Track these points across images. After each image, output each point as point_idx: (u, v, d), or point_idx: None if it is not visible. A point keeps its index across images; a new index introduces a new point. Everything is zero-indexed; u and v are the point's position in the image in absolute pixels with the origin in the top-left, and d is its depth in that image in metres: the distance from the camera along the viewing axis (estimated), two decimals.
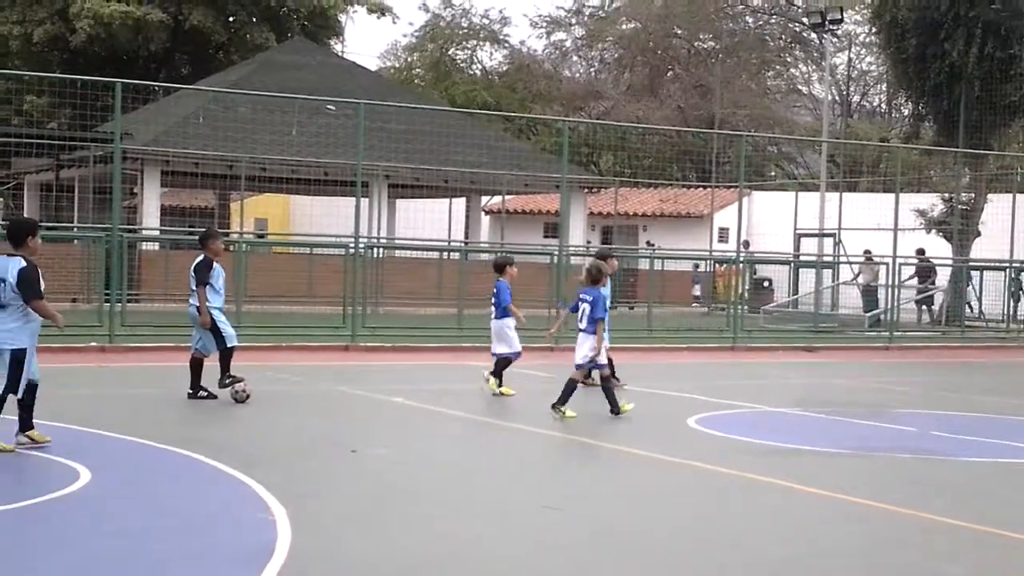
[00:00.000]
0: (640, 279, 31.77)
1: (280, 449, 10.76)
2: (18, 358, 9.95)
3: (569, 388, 13.18)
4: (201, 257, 13.81)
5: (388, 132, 31.31)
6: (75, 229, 28.57)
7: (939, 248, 32.07)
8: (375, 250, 27.52)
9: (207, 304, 13.53)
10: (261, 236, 38.01)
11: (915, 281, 31.43)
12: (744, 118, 52.97)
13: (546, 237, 39.60)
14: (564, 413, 13.02)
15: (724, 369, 18.12)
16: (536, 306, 26.11)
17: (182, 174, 31.68)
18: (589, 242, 38.11)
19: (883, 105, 61.49)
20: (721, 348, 24.25)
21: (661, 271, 30.62)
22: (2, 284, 9.99)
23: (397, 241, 34.13)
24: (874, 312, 29.59)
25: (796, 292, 32.21)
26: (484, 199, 39.37)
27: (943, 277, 31.63)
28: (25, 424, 10.21)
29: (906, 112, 43.26)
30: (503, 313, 15.26)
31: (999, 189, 33.58)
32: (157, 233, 29.87)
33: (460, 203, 38.36)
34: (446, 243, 34.35)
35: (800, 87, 61.96)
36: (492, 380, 15.01)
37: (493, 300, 15.43)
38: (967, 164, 32.89)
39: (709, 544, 7.77)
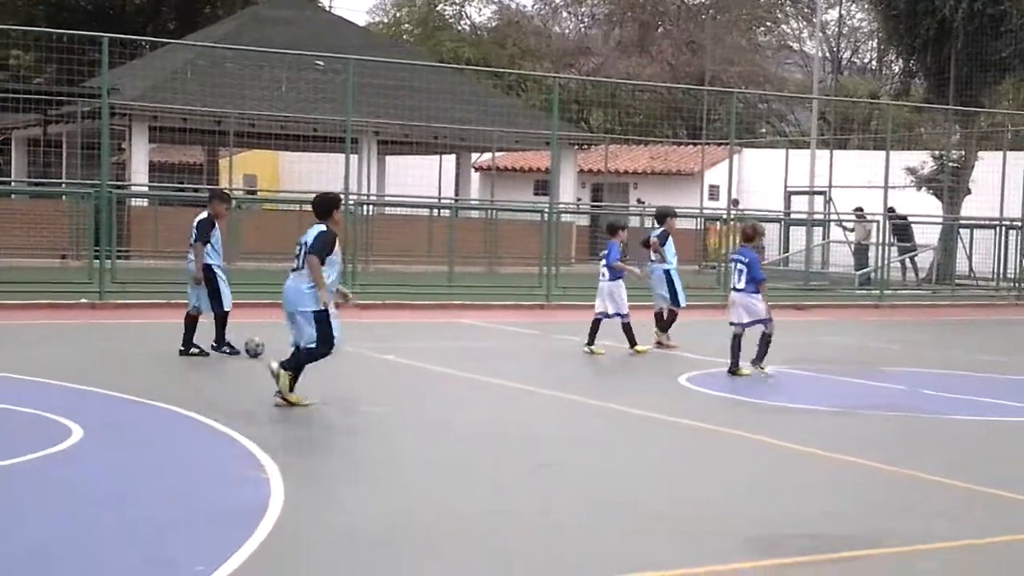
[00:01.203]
0: (630, 237, 31.64)
1: (272, 407, 10.74)
2: (321, 317, 10.41)
3: (765, 343, 13.53)
4: (205, 214, 13.77)
5: (377, 88, 31.14)
6: (63, 185, 28.43)
7: (929, 206, 32.06)
8: (365, 207, 27.44)
9: (206, 261, 13.55)
10: (252, 193, 37.86)
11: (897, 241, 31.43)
12: (735, 75, 52.75)
13: (536, 194, 39.50)
14: (763, 369, 13.43)
15: (714, 327, 18.07)
16: (528, 264, 26.13)
17: (170, 130, 31.49)
18: (579, 199, 38.05)
19: (874, 62, 61.34)
20: (711, 306, 24.24)
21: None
22: (304, 247, 10.54)
23: (387, 198, 34.05)
24: (864, 270, 29.62)
25: (786, 250, 32.21)
26: (474, 156, 39.25)
27: (933, 234, 31.64)
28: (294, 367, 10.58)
29: (897, 69, 43.20)
30: (616, 274, 15.30)
31: (989, 147, 33.55)
32: (146, 189, 29.74)
33: (450, 160, 38.23)
34: (436, 200, 34.26)
35: (791, 44, 61.74)
36: (596, 345, 15.20)
37: (604, 263, 15.47)
38: (957, 121, 32.84)
39: (700, 503, 7.78)
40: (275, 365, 10.54)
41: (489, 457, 9.07)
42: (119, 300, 19.34)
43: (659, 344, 16.09)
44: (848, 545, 6.76)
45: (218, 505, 7.27)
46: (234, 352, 13.61)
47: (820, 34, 43.32)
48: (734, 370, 13.50)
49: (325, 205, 10.84)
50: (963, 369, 15.30)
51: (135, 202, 28.13)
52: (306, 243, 10.55)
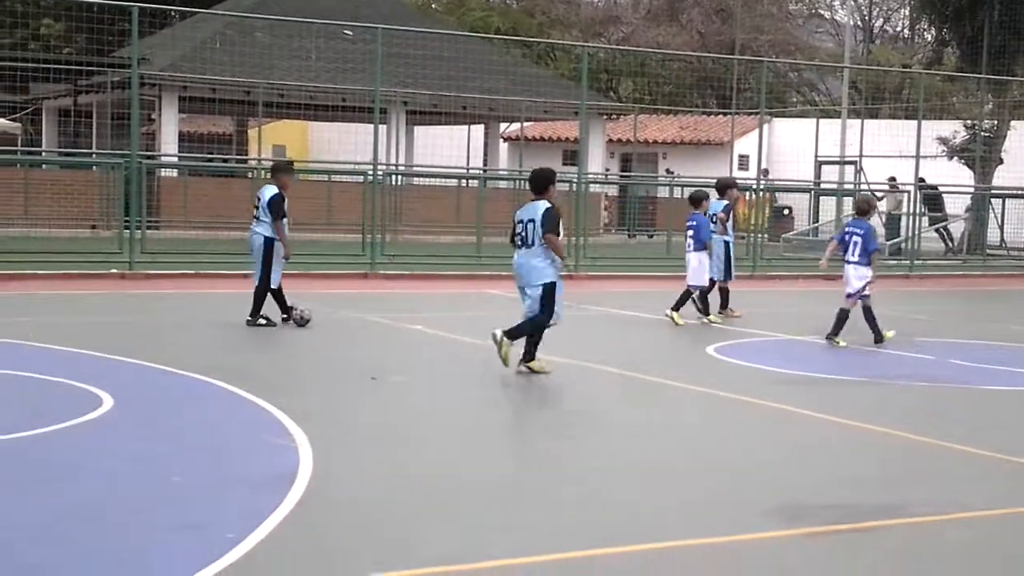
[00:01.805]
0: (659, 207, 31.66)
1: (301, 376, 10.81)
2: (549, 291, 11.04)
3: (841, 318, 13.80)
4: (275, 190, 13.87)
5: (406, 58, 31.09)
6: (93, 155, 28.56)
7: (961, 176, 31.82)
8: (393, 177, 27.45)
9: (267, 234, 13.74)
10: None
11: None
12: (765, 44, 52.37)
13: (565, 164, 39.37)
14: (838, 342, 13.65)
15: (743, 297, 18.09)
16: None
17: (200, 100, 31.55)
18: (608, 169, 37.95)
19: (906, 30, 60.78)
20: (740, 276, 24.15)
21: (681, 199, 30.46)
22: (531, 224, 10.97)
23: (415, 168, 34.03)
24: (895, 240, 29.46)
25: (816, 220, 32.05)
26: (502, 126, 39.17)
27: (964, 204, 31.41)
28: (529, 354, 11.09)
29: (929, 37, 42.83)
30: (702, 245, 15.68)
31: (1022, 116, 33.25)
32: (176, 160, 29.85)
33: (478, 130, 38.17)
34: (464, 170, 34.23)
35: (822, 12, 61.21)
36: (714, 316, 15.80)
37: (691, 233, 15.77)
38: (990, 90, 32.55)
39: (727, 472, 7.78)
40: (499, 332, 10.91)
41: (517, 427, 9.10)
42: (149, 270, 19.45)
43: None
44: (875, 514, 6.75)
45: (247, 473, 7.31)
46: (270, 324, 13.67)
47: (851, 2, 42.94)
48: (879, 340, 13.79)
49: (543, 181, 11.18)
50: (993, 339, 15.23)
51: (165, 172, 28.24)
52: (532, 221, 10.87)
